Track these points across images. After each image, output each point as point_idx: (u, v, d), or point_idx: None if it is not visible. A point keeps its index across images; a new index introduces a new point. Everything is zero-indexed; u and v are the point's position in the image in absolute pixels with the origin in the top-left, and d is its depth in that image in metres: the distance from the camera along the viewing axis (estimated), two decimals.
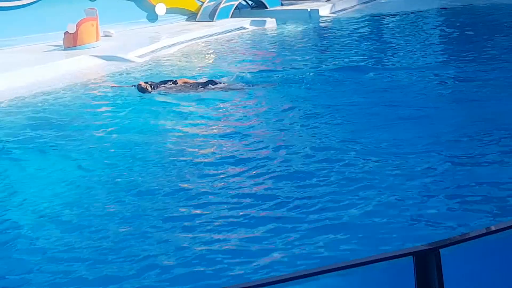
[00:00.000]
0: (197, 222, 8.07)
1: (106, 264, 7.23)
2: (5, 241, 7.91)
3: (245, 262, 7.05)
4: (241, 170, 9.65)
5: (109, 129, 11.87)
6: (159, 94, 13.90)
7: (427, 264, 2.59)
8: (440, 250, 2.60)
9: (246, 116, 12.44)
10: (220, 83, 14.31)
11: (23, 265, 7.31)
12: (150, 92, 13.86)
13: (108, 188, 9.23)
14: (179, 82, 14.42)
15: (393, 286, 2.69)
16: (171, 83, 14.28)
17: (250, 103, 13.32)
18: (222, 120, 12.38)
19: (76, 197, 9.02)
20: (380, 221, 7.74)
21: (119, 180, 9.49)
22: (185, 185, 9.19)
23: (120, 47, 18.63)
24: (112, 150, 10.80)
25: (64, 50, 18.36)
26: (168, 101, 13.48)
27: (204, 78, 14.71)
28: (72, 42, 18.46)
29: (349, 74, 15.06)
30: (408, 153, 9.72)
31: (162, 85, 14.17)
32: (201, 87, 14.09)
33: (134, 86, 14.16)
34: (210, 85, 14.12)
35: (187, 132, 11.69)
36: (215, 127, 11.90)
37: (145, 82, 14.13)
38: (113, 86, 14.64)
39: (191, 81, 14.56)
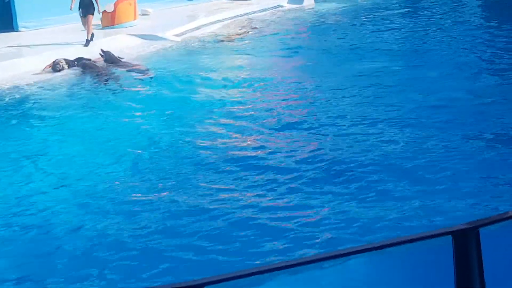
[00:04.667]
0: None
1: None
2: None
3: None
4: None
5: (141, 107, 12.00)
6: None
7: (466, 243, 2.58)
8: (480, 229, 2.58)
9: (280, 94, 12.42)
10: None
11: None
12: (65, 69, 14.45)
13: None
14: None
15: (431, 265, 2.68)
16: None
17: (289, 81, 13.29)
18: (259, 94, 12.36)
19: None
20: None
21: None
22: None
23: (158, 26, 18.68)
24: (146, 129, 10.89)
25: (102, 29, 18.46)
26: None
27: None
28: (110, 21, 18.55)
29: (393, 52, 14.95)
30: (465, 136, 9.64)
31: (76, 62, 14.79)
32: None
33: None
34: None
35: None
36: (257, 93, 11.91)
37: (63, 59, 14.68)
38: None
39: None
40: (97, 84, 13.74)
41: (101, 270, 6.91)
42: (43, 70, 14.58)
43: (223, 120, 11.15)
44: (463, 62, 13.95)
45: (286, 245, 7.02)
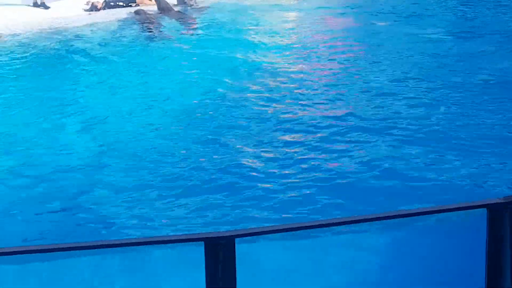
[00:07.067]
0: None
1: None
2: None
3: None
4: None
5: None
6: None
7: (500, 217, 2.59)
8: None
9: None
10: None
11: None
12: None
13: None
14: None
15: (464, 236, 2.70)
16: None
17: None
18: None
19: None
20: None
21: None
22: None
23: None
24: None
25: None
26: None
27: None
28: None
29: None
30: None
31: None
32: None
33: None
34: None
35: None
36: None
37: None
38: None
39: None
40: (141, 32, 13.72)
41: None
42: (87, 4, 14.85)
43: (267, 77, 11.06)
44: None
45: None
